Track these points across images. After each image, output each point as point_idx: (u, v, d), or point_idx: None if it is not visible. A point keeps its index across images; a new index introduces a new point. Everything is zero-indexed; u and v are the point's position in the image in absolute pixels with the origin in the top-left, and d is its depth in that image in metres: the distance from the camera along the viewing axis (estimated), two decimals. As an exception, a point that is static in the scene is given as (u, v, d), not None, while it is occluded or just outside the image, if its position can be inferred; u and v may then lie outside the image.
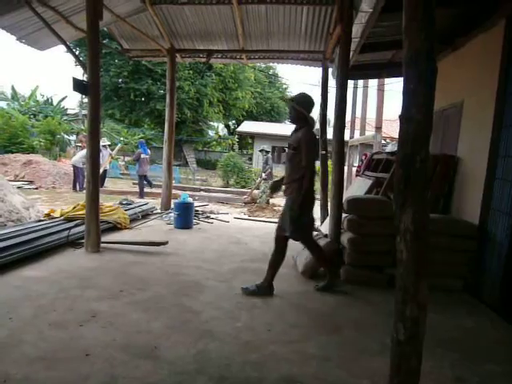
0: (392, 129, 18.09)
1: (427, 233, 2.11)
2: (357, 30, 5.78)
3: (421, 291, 2.07)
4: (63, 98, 31.91)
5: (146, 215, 8.99)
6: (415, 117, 2.08)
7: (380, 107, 11.80)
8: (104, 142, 14.19)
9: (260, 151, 13.76)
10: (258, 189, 13.61)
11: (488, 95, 5.01)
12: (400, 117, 2.18)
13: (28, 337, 3.19)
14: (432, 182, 5.81)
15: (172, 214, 8.50)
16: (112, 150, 15.69)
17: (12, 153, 19.05)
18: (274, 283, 4.56)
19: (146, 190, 14.22)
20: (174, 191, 10.56)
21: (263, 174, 13.35)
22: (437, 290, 4.73)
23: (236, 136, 35.86)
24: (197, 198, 12.98)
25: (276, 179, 5.10)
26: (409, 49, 2.11)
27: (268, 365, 3.00)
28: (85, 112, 24.10)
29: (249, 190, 15.17)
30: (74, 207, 7.14)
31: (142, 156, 14.06)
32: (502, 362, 3.30)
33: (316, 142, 4.71)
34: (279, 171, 27.02)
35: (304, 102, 4.51)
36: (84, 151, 13.21)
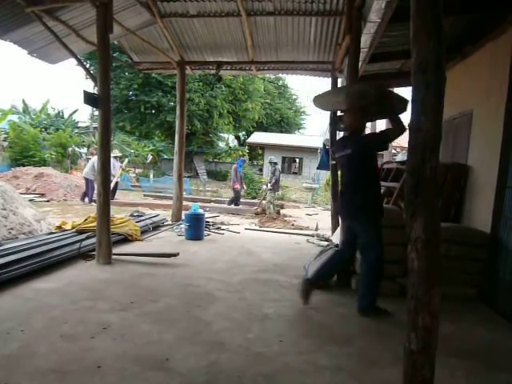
0: (402, 137, 17.93)
1: (438, 241, 2.10)
2: (365, 40, 5.80)
3: (433, 300, 2.06)
4: (74, 111, 32.27)
5: (156, 227, 9.00)
6: (424, 125, 2.08)
7: (389, 116, 11.75)
8: (115, 153, 14.40)
9: (269, 163, 13.91)
10: (266, 199, 13.66)
11: (497, 103, 4.99)
12: (409, 125, 2.18)
13: (40, 349, 3.20)
14: (443, 191, 5.77)
15: (183, 226, 8.50)
16: (121, 162, 15.91)
17: (23, 166, 19.20)
18: (287, 292, 4.51)
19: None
20: (184, 203, 10.59)
21: (269, 185, 13.50)
22: (450, 298, 4.66)
23: (246, 147, 35.96)
24: (207, 209, 12.99)
25: None
26: (417, 58, 2.11)
27: (280, 376, 2.98)
28: (96, 125, 24.24)
29: (258, 201, 15.20)
30: (86, 219, 7.18)
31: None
32: (518, 373, 3.24)
33: None
34: (289, 181, 27.12)
35: None
36: (92, 160, 13.40)
